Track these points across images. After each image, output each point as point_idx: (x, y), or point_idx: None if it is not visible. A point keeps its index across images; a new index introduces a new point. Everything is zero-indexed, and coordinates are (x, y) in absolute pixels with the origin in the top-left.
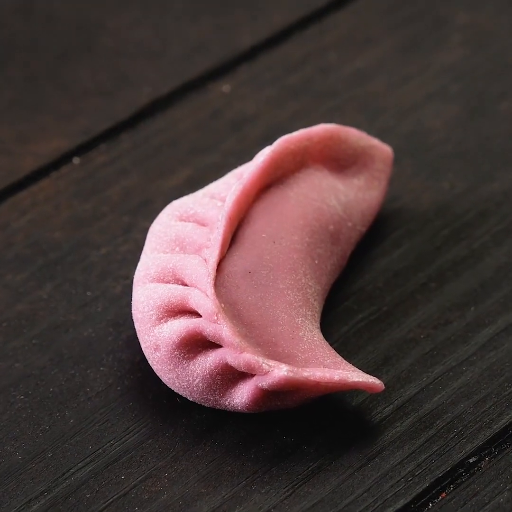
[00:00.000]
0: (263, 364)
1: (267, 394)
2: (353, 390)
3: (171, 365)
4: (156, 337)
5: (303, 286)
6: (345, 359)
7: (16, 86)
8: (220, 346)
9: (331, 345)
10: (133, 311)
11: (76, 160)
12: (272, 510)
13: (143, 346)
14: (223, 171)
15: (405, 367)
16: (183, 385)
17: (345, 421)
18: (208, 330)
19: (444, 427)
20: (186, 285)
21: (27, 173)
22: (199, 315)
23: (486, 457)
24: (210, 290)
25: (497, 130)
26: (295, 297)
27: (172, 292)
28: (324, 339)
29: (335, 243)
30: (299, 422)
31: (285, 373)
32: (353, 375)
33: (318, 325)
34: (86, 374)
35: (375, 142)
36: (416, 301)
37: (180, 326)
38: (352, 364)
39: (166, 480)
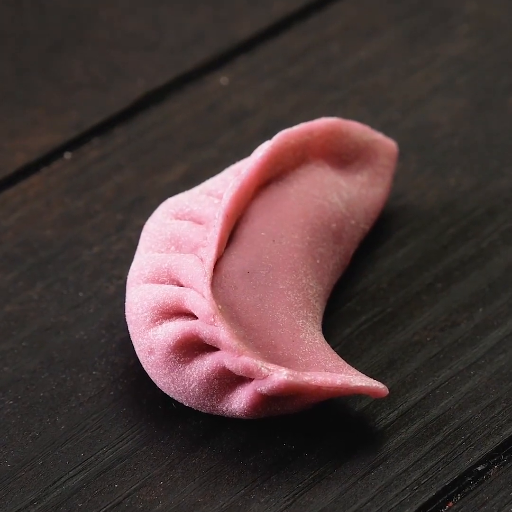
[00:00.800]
0: (262, 368)
1: (267, 399)
2: (356, 395)
3: (166, 369)
4: (151, 340)
5: (304, 287)
6: (347, 362)
7: (6, 79)
8: (217, 349)
9: (333, 348)
10: (126, 313)
11: (67, 155)
12: None
13: (137, 349)
14: (220, 166)
15: (410, 371)
16: (179, 390)
17: (347, 428)
18: (204, 332)
19: (451, 433)
20: (181, 285)
21: (17, 169)
22: (195, 317)
23: (495, 465)
24: (207, 291)
25: (505, 125)
26: (296, 298)
27: (167, 293)
28: (326, 342)
29: (337, 242)
30: (300, 429)
31: (285, 377)
32: (356, 380)
33: (320, 327)
34: (78, 378)
35: (379, 136)
36: (421, 302)
37: (175, 328)
38: (355, 368)
39: (161, 489)
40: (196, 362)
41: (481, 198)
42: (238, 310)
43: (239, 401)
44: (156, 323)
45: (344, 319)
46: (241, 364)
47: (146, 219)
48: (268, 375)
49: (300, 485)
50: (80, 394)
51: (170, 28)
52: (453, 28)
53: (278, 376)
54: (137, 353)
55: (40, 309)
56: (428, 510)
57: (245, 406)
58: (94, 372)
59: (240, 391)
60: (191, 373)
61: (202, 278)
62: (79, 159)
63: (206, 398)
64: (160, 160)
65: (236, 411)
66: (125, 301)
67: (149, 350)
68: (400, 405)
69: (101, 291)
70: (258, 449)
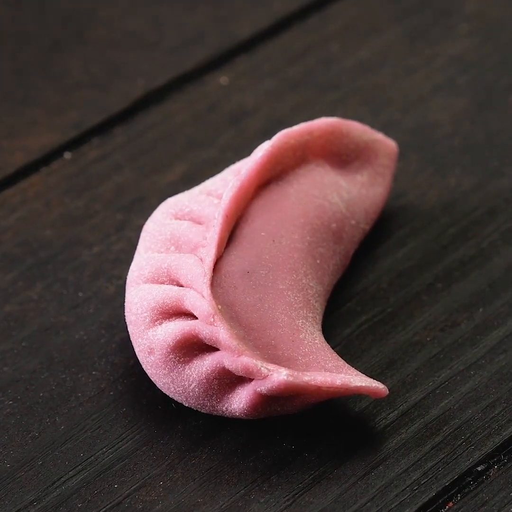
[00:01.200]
0: (262, 368)
1: (266, 400)
2: (356, 395)
3: (166, 369)
4: (150, 340)
5: (304, 287)
6: (347, 362)
7: (5, 78)
8: (217, 349)
9: (333, 348)
10: (126, 313)
11: (67, 155)
12: None
13: (136, 349)
14: (220, 166)
15: (410, 371)
16: (178, 390)
17: (347, 428)
18: (204, 332)
19: (451, 433)
20: (181, 285)
21: (16, 169)
22: (195, 317)
23: (495, 465)
24: (207, 291)
25: (506, 124)
26: (296, 298)
27: (167, 293)
28: (326, 342)
29: (337, 242)
30: (299, 429)
31: (285, 377)
32: (356, 380)
33: (320, 328)
34: (78, 378)
35: (379, 136)
36: (422, 302)
37: (175, 328)
38: (355, 368)
39: (161, 489)
40: (195, 362)
41: (482, 198)
42: (238, 310)
43: (239, 401)
44: (156, 323)
45: (344, 319)
46: (241, 364)
47: (146, 219)
48: (268, 375)
49: (300, 485)
50: (79, 394)
51: (170, 28)
52: (453, 28)
53: (278, 376)
54: (136, 353)
55: (40, 309)
56: (428, 510)
57: (245, 406)
58: (94, 372)
59: (240, 391)
60: (190, 373)
61: (202, 278)
62: (78, 159)
63: (206, 398)
64: (160, 160)
65: (236, 411)
66: (124, 301)
67: (148, 350)
68: (400, 405)
69: (101, 291)
70: (258, 449)
